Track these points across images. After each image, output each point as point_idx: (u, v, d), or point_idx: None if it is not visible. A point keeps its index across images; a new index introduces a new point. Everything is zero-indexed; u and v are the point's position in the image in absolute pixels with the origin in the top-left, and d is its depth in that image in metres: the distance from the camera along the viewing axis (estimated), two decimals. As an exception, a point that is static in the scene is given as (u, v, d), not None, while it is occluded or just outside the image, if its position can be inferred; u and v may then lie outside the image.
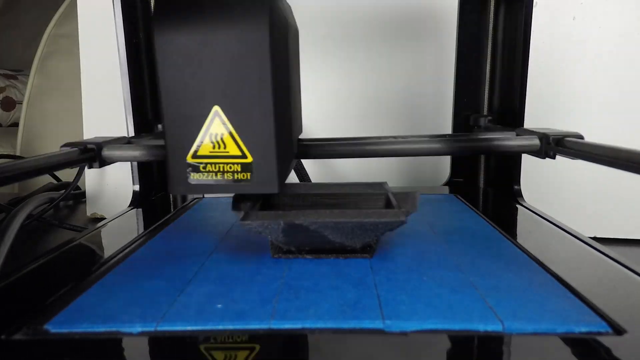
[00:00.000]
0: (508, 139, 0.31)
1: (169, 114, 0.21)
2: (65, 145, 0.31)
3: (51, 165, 0.27)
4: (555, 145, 0.30)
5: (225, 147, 0.22)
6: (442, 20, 0.48)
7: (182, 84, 0.21)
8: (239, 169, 0.22)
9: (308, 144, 0.31)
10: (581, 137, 0.29)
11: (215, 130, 0.21)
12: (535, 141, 0.31)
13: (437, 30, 0.48)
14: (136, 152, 0.31)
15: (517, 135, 0.33)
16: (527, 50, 0.37)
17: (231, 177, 0.22)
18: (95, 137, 0.33)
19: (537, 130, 0.32)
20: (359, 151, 0.31)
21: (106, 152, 0.31)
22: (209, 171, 0.22)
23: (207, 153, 0.22)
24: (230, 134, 0.21)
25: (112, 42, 0.38)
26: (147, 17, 0.42)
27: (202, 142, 0.22)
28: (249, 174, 0.22)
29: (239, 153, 0.22)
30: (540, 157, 0.31)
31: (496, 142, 0.31)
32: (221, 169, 0.22)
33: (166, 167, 0.22)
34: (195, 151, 0.22)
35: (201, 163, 0.22)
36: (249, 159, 0.22)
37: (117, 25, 0.38)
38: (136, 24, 0.40)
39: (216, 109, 0.21)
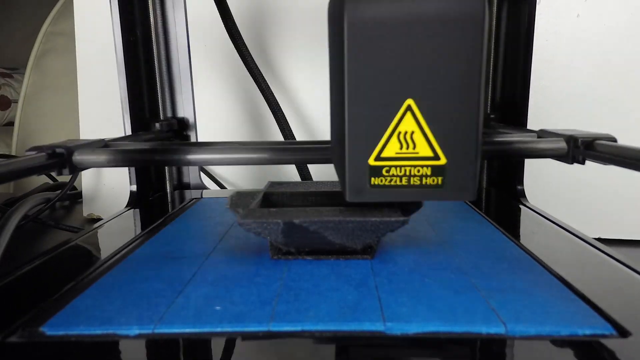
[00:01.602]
0: (531, 142, 0.28)
1: (352, 109, 0.19)
2: (31, 149, 0.27)
3: (12, 172, 0.24)
4: (584, 149, 0.26)
5: (414, 147, 0.19)
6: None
7: (372, 73, 0.19)
8: (429, 173, 0.20)
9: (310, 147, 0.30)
10: (614, 140, 0.26)
11: (405, 127, 0.19)
12: (562, 144, 0.27)
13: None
14: (111, 157, 0.28)
15: (538, 137, 0.30)
16: (531, 47, 0.37)
17: (419, 182, 0.20)
18: (67, 140, 0.30)
19: (563, 132, 0.28)
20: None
21: (78, 157, 0.28)
22: (392, 175, 0.20)
23: (392, 155, 0.20)
24: (423, 132, 0.19)
25: (108, 40, 0.38)
26: (144, 14, 0.42)
27: (388, 141, 0.19)
28: (440, 178, 0.20)
29: (430, 154, 0.19)
30: (567, 162, 0.27)
31: (518, 146, 0.28)
32: (407, 173, 0.20)
33: (343, 171, 0.20)
34: (380, 152, 0.20)
35: (384, 166, 0.20)
36: (442, 161, 0.20)
37: (113, 22, 0.38)
38: (133, 21, 0.40)
39: (409, 102, 0.19)
